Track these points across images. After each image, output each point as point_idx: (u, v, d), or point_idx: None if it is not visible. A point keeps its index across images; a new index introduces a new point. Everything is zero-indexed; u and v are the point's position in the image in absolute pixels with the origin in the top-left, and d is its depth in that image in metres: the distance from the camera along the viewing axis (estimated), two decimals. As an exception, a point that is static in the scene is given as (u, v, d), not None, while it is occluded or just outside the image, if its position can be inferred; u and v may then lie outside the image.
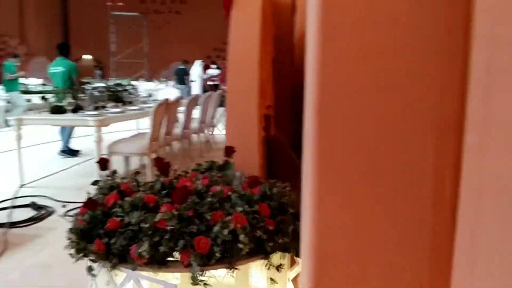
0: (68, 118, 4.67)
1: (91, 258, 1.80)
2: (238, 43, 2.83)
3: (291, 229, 1.86)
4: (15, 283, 2.57)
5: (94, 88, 5.52)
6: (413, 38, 0.88)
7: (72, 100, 4.70)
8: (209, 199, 1.87)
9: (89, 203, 1.87)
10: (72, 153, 6.39)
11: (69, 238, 1.83)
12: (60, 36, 23.70)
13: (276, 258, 1.85)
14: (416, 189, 0.92)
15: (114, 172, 2.25)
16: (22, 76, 9.75)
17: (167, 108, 4.99)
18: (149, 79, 19.42)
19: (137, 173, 2.30)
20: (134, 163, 5.48)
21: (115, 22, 21.52)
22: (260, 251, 1.78)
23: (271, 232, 1.83)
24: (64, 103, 4.82)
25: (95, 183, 2.17)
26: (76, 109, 4.87)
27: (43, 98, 5.32)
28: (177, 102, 5.27)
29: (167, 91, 7.84)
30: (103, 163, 2.19)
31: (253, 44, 2.82)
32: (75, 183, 4.87)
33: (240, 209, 1.82)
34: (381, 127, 0.91)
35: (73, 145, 6.53)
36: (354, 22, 0.88)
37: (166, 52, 22.91)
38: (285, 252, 1.89)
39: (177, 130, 5.51)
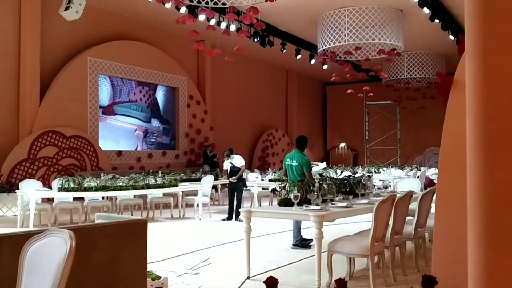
0: (291, 212, 4.61)
1: None
2: (452, 133, 2.22)
3: None
4: None
5: (324, 180, 5.40)
6: None
7: (298, 193, 4.64)
8: None
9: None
10: (304, 245, 6.30)
11: None
12: (319, 127, 25.72)
13: None
14: None
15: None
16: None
17: (396, 203, 4.44)
18: (401, 166, 18.79)
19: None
20: (361, 264, 4.99)
21: (369, 111, 22.26)
22: None
23: None
24: (291, 196, 4.80)
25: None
26: (303, 202, 4.78)
27: (273, 190, 5.48)
28: (408, 197, 4.66)
29: (407, 182, 7.18)
30: (270, 284, 1.87)
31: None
32: (297, 280, 4.67)
33: None
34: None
35: (307, 234, 6.42)
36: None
37: (419, 137, 22.40)
38: None
39: (409, 228, 4.83)
